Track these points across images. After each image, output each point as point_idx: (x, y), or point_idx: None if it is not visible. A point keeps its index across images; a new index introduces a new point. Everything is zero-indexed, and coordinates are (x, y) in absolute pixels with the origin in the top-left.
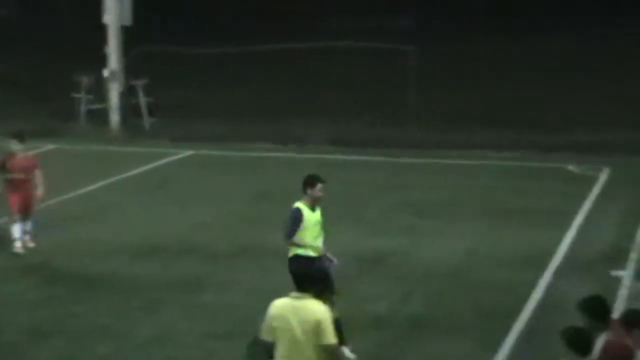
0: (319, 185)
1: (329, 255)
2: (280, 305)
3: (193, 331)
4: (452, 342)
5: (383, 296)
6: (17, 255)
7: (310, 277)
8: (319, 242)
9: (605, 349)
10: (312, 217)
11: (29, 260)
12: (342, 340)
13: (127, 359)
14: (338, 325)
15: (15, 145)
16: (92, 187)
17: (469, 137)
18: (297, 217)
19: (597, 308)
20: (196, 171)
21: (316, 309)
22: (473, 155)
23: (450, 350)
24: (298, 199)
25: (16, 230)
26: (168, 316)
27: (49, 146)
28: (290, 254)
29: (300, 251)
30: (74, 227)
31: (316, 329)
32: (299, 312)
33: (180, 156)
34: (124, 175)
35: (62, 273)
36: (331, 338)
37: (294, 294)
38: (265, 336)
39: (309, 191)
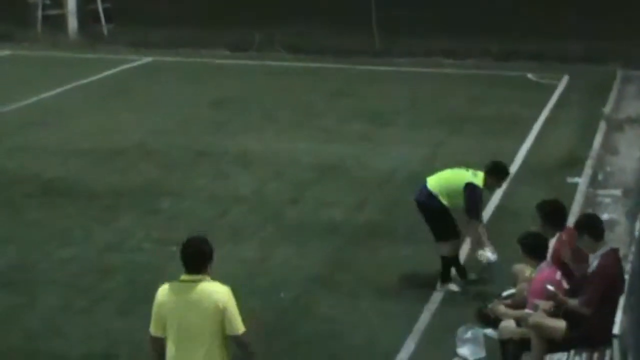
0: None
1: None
2: (170, 290)
3: (150, 237)
4: (407, 248)
5: (339, 202)
6: None
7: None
8: None
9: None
10: None
11: None
12: (447, 278)
13: (85, 264)
14: (455, 262)
15: None
16: (49, 93)
17: (429, 45)
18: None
19: (554, 213)
20: (154, 78)
21: (217, 293)
22: (432, 62)
23: (405, 255)
24: (256, 106)
25: None
26: (125, 222)
27: (5, 52)
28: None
29: None
30: (31, 133)
31: (219, 316)
32: (195, 297)
33: (138, 63)
34: (82, 81)
35: (18, 179)
36: (240, 327)
37: (183, 276)
38: (155, 331)
39: (492, 180)
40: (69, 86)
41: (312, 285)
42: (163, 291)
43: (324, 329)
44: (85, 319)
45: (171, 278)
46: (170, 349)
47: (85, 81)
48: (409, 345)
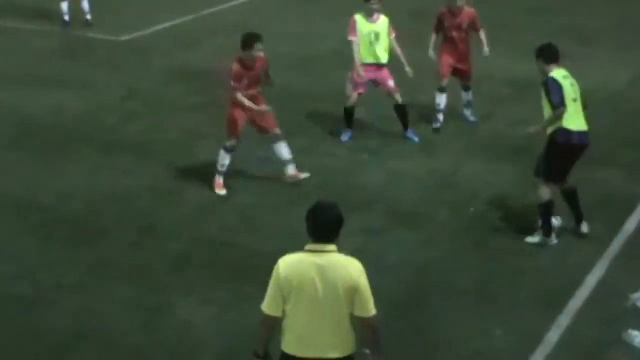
0: None
1: None
2: (296, 262)
3: (343, 144)
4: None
5: (534, 120)
6: None
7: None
8: None
9: None
10: None
11: (190, 67)
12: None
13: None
14: None
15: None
16: None
17: None
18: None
19: None
20: None
21: (351, 269)
22: None
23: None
24: None
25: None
26: (318, 129)
27: None
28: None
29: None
30: (231, 35)
31: (351, 295)
32: (326, 271)
33: None
34: None
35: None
36: (371, 309)
37: (310, 246)
38: (272, 310)
39: None
40: None
41: (502, 202)
42: (288, 262)
43: (514, 248)
44: (276, 217)
45: (360, 182)
46: (294, 326)
47: None
48: (599, 268)
